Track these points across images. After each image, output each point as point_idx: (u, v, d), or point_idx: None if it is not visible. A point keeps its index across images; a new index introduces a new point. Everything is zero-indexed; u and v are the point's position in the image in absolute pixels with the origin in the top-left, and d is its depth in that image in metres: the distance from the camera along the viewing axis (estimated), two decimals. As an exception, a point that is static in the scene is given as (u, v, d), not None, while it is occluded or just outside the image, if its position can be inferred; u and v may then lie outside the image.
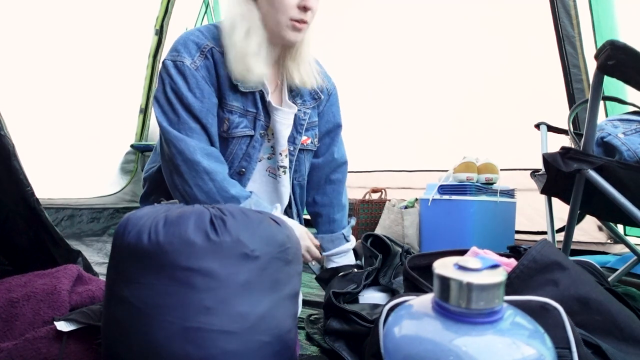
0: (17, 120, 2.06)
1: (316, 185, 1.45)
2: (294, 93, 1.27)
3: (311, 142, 1.35)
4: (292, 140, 1.29)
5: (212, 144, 1.15)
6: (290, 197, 1.34)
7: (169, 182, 1.14)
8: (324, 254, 1.40)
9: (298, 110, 1.27)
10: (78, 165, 3.00)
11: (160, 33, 3.54)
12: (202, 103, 1.11)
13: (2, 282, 1.00)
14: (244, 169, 1.23)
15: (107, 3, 3.01)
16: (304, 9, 1.08)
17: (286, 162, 1.29)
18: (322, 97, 1.34)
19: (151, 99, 3.49)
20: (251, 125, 1.21)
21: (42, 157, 2.71)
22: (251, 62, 1.10)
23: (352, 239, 1.46)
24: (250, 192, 1.16)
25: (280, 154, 1.27)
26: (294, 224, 1.20)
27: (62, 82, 2.83)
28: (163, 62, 1.15)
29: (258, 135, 1.22)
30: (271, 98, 1.22)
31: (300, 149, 1.32)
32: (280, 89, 1.27)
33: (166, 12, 3.52)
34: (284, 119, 1.25)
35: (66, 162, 2.92)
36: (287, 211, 1.37)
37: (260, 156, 1.27)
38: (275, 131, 1.25)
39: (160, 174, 1.20)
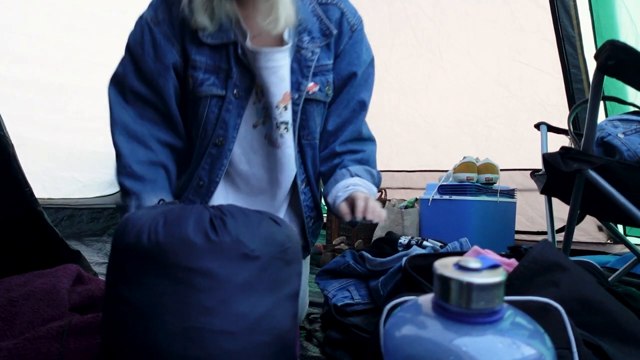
0: (17, 120, 2.06)
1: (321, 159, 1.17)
2: (301, 28, 1.05)
3: (320, 91, 1.09)
4: (296, 86, 1.06)
5: (166, 109, 1.07)
6: (297, 161, 1.12)
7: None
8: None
9: (304, 49, 1.05)
10: (78, 165, 2.99)
11: (160, 33, 3.53)
12: (155, 64, 1.04)
13: (1, 282, 1.00)
14: (221, 138, 1.06)
15: (107, 3, 3.01)
16: None
17: (287, 116, 1.07)
18: (334, 32, 1.08)
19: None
20: (221, 84, 1.04)
21: (42, 157, 2.71)
22: (198, 19, 0.99)
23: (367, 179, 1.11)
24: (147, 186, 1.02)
25: (277, 106, 1.05)
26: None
27: (61, 81, 2.82)
28: None
29: (231, 96, 1.04)
30: (255, 42, 1.02)
31: (306, 99, 1.07)
32: None
33: (166, 12, 3.53)
34: (270, 62, 1.02)
35: (66, 162, 2.92)
36: (294, 182, 1.14)
37: (255, 121, 1.08)
38: (263, 81, 1.04)
39: None
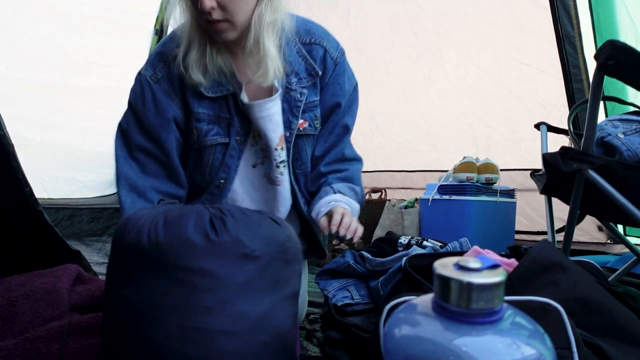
0: (17, 120, 2.06)
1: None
2: (288, 70, 1.11)
3: (310, 126, 1.17)
4: (287, 125, 1.14)
5: (167, 161, 1.12)
6: (295, 188, 1.20)
7: None
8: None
9: (292, 90, 1.12)
10: (78, 165, 2.99)
11: (160, 33, 3.52)
12: (156, 119, 1.10)
13: (1, 282, 1.00)
14: (222, 181, 1.15)
15: (107, 3, 3.01)
16: (203, 11, 0.97)
17: (284, 155, 1.16)
18: (319, 73, 1.15)
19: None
20: (225, 132, 1.12)
21: (42, 157, 2.71)
22: (193, 76, 1.05)
23: (348, 195, 1.16)
24: None
25: (276, 149, 1.14)
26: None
27: (61, 81, 2.82)
28: None
29: (234, 142, 1.13)
30: (248, 91, 1.10)
31: (297, 134, 1.16)
32: None
33: (166, 12, 3.52)
34: (264, 111, 1.10)
35: (66, 162, 2.92)
36: (293, 206, 1.23)
37: (254, 162, 1.17)
38: (260, 128, 1.12)
39: None
